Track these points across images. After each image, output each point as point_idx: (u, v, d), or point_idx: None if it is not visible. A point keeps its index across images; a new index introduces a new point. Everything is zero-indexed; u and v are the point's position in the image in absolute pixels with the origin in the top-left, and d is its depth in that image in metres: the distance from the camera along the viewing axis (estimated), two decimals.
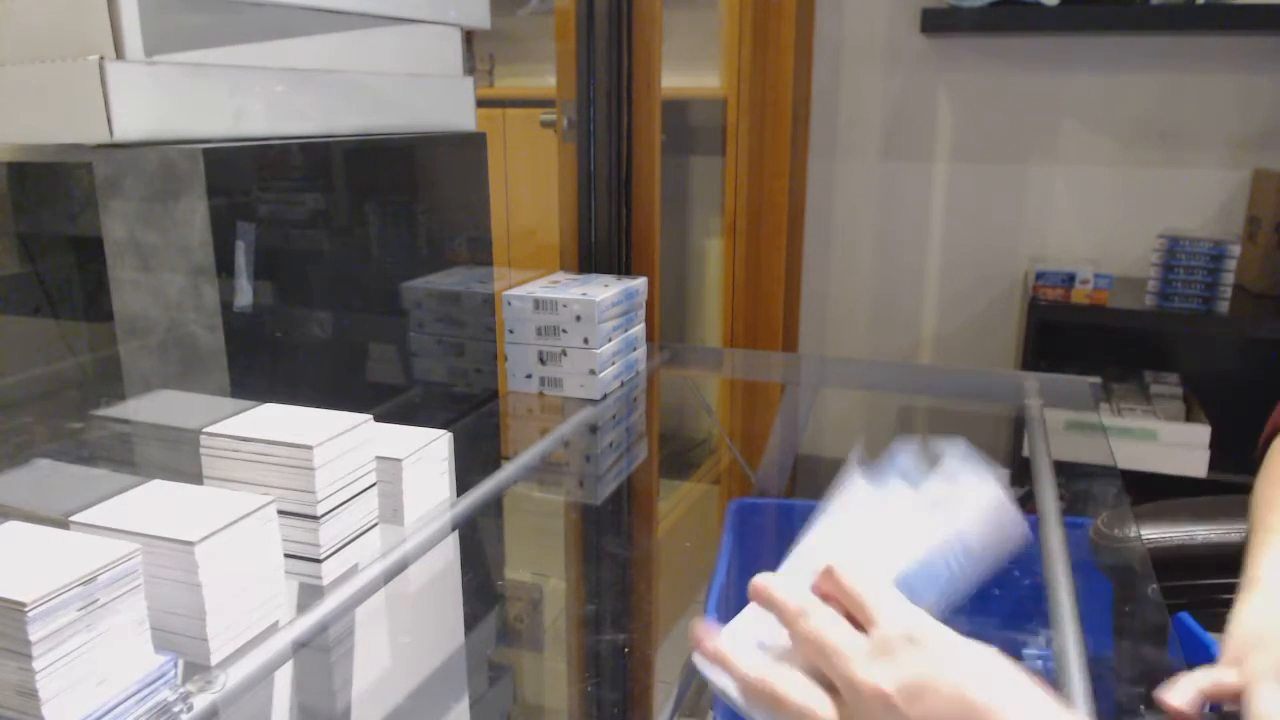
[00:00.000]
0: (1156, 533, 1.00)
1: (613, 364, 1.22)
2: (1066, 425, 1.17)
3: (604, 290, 1.20)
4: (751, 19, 1.96)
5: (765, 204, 2.04)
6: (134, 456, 0.76)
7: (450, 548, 0.82)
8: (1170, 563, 0.93)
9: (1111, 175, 2.00)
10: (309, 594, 0.69)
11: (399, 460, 0.77)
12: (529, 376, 1.21)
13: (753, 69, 1.98)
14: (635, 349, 1.30)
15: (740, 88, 2.01)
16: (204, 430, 0.69)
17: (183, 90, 0.77)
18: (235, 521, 0.59)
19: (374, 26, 0.97)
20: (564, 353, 1.18)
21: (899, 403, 1.44)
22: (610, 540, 0.96)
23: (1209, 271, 1.72)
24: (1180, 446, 1.76)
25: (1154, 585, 0.76)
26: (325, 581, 0.69)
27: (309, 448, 0.66)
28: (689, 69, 2.30)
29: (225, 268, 0.77)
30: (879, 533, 0.53)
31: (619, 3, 1.35)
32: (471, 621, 0.78)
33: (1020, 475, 1.06)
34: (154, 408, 0.78)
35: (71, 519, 0.58)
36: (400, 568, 0.76)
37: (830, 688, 0.46)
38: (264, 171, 0.81)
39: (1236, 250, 1.70)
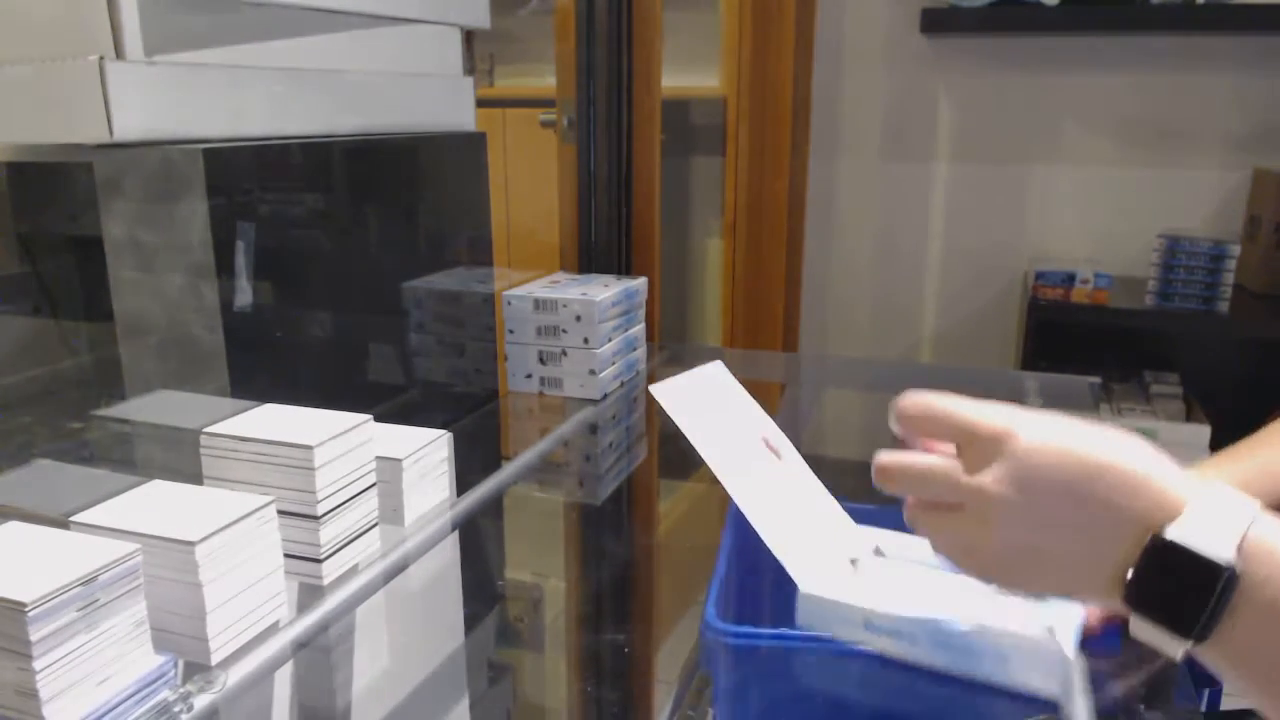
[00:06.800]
0: None
1: (613, 364, 1.22)
2: None
3: (604, 290, 1.20)
4: (751, 19, 1.96)
5: (765, 204, 2.04)
6: (134, 456, 0.76)
7: (450, 548, 0.82)
8: None
9: (1111, 175, 2.00)
10: (309, 594, 0.69)
11: (399, 460, 0.77)
12: (529, 376, 1.21)
13: (753, 69, 1.98)
14: (635, 349, 1.30)
15: (740, 88, 2.01)
16: (204, 430, 0.69)
17: (182, 90, 0.77)
18: (235, 521, 0.59)
19: (374, 26, 0.97)
20: (564, 353, 1.18)
21: None
22: (610, 540, 0.96)
23: (1209, 271, 1.72)
24: (1180, 446, 1.76)
25: None
26: (325, 581, 0.69)
27: (309, 448, 0.66)
28: (689, 69, 2.30)
29: (225, 268, 0.77)
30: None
31: (619, 3, 1.35)
32: (471, 621, 0.78)
33: None
34: (154, 408, 0.78)
35: (71, 519, 0.58)
36: (400, 568, 0.76)
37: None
38: (264, 171, 0.81)
39: (1236, 250, 1.70)
